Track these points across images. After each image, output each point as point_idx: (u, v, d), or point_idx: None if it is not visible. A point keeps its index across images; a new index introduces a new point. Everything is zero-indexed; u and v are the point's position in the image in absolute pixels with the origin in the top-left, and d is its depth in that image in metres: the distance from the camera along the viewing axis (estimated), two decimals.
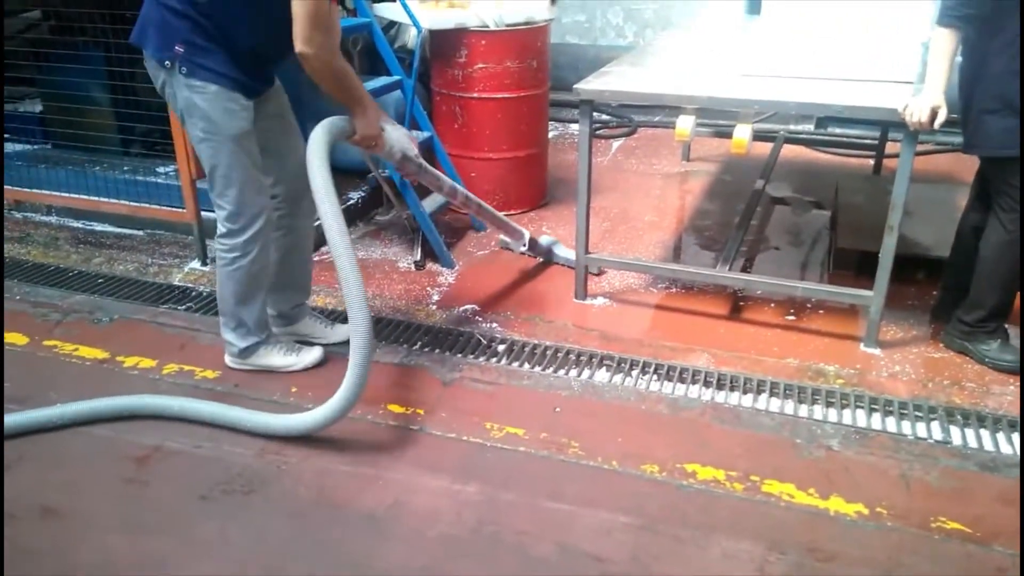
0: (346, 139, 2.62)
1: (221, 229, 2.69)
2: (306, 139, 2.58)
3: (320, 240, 3.11)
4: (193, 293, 3.50)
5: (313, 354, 2.96)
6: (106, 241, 4.02)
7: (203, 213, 3.67)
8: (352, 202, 4.16)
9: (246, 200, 2.63)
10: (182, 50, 2.43)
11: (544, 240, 3.78)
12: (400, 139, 2.76)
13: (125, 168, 4.12)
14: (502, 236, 3.77)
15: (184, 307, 3.37)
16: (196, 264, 3.74)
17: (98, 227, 4.15)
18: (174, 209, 3.73)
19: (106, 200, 3.87)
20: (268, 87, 2.69)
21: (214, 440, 2.56)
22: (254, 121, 2.59)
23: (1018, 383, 2.79)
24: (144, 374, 2.91)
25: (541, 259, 3.81)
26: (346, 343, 2.52)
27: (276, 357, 2.92)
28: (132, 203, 3.84)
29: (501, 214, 3.52)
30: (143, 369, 2.94)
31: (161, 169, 4.08)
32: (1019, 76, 2.56)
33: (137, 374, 2.91)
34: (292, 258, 2.96)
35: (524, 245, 3.60)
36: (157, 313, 3.32)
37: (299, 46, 2.33)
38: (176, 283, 3.59)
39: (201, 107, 2.49)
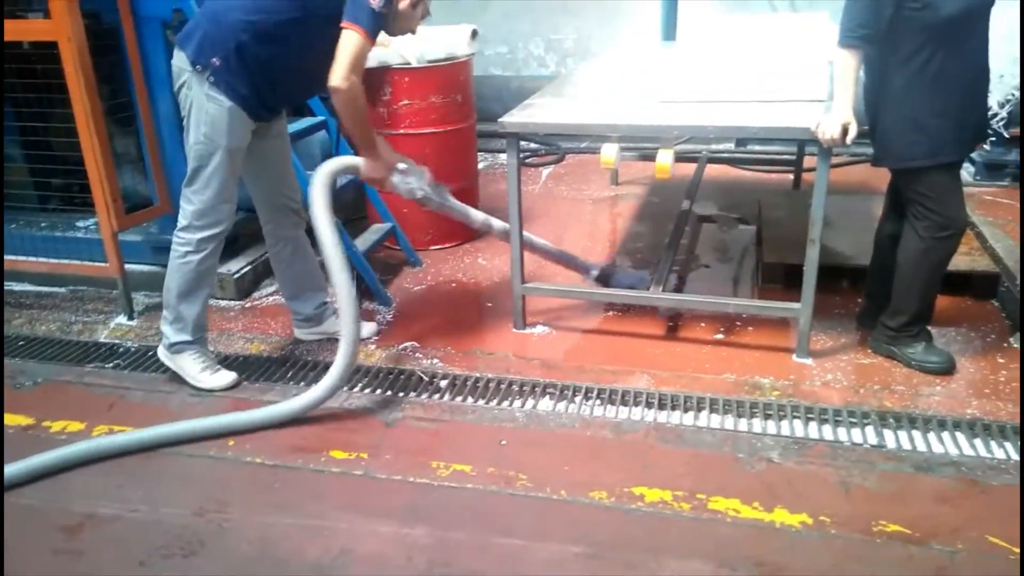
0: (357, 175, 2.97)
1: (182, 222, 2.87)
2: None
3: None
4: (120, 349, 3.38)
5: (225, 379, 3.06)
6: (26, 301, 3.87)
7: (127, 266, 3.57)
8: None
9: (215, 205, 2.83)
10: (218, 63, 2.66)
11: (633, 275, 3.66)
12: (413, 183, 3.01)
13: (43, 224, 3.99)
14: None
15: (112, 364, 3.26)
16: (123, 319, 3.62)
17: (17, 287, 3.99)
18: (96, 264, 3.62)
19: (24, 259, 3.73)
20: (275, 117, 2.97)
21: (149, 502, 2.47)
22: (251, 141, 2.84)
23: (945, 383, 2.89)
24: (73, 438, 2.79)
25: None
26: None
27: (193, 366, 3.03)
28: (52, 260, 3.71)
29: (553, 247, 3.57)
30: (71, 433, 2.83)
31: (81, 223, 3.97)
32: (920, 90, 2.68)
33: (66, 439, 2.79)
34: (296, 265, 3.23)
35: (595, 274, 3.57)
36: (83, 373, 3.20)
37: (336, 81, 2.59)
38: (102, 340, 3.47)
39: (211, 114, 2.70)
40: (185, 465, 2.64)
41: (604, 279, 3.55)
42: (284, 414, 2.79)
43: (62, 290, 3.93)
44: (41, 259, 3.72)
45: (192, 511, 2.42)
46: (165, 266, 3.65)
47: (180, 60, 2.73)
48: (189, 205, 2.85)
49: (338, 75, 2.58)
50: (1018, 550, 2.12)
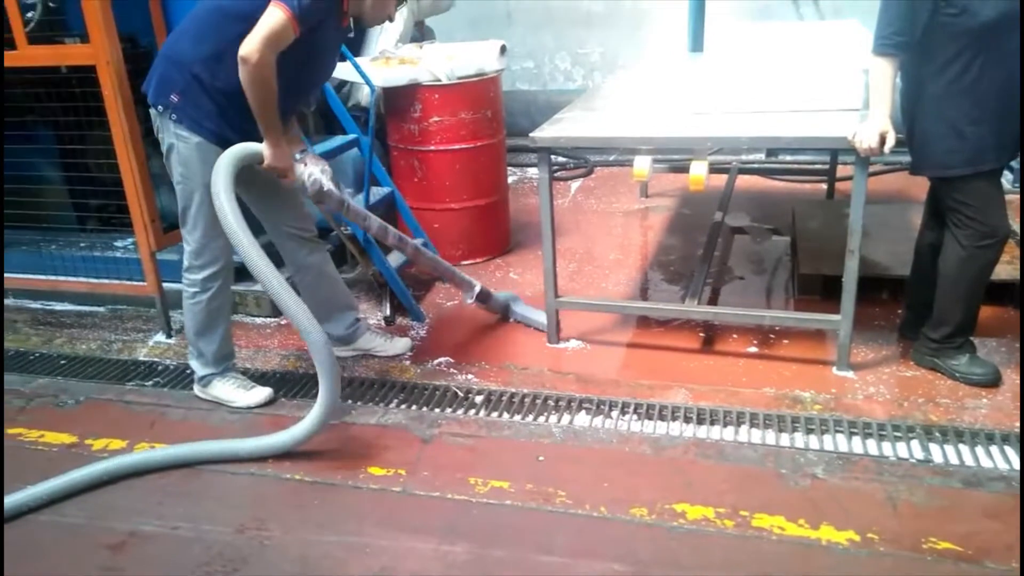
0: (257, 164, 2.73)
1: (184, 264, 2.92)
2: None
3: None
4: (160, 367, 3.42)
5: (260, 395, 3.08)
6: (67, 320, 3.93)
7: (165, 285, 3.61)
8: None
9: (207, 243, 2.84)
10: (176, 100, 2.67)
11: (502, 295, 3.65)
12: (316, 173, 2.83)
13: (82, 244, 4.05)
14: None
15: (151, 382, 3.30)
16: (161, 337, 3.67)
17: (57, 307, 4.06)
18: (135, 283, 3.67)
19: (64, 279, 3.80)
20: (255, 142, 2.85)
21: (190, 520, 2.49)
22: (246, 172, 2.74)
23: (992, 395, 2.83)
24: (114, 456, 2.82)
25: (497, 315, 3.66)
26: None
27: (225, 392, 3.07)
28: (91, 280, 3.77)
29: (443, 261, 3.51)
30: (113, 451, 2.85)
31: (119, 243, 4.02)
32: (957, 97, 2.64)
33: (107, 456, 2.82)
34: (321, 289, 3.20)
35: (472, 297, 3.49)
36: (124, 391, 3.24)
37: (245, 50, 2.45)
38: (142, 358, 3.51)
39: (183, 153, 2.71)
40: (225, 482, 2.65)
41: (484, 298, 3.54)
42: (264, 448, 2.73)
43: (101, 309, 3.99)
44: (81, 279, 3.78)
45: (233, 528, 2.43)
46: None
47: (151, 110, 2.75)
48: (186, 245, 2.88)
49: (249, 45, 2.45)
50: None
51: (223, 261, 2.90)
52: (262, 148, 2.70)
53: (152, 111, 2.75)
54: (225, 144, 2.69)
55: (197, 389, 3.12)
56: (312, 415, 2.65)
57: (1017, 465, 2.47)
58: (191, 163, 2.72)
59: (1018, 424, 2.66)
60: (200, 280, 2.89)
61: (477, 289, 3.49)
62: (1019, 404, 2.76)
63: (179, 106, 2.67)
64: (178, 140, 2.71)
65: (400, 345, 3.39)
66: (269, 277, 2.55)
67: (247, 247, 2.55)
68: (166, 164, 2.82)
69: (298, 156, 2.83)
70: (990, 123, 2.65)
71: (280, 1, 2.45)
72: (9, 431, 3.01)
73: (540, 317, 3.46)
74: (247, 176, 2.80)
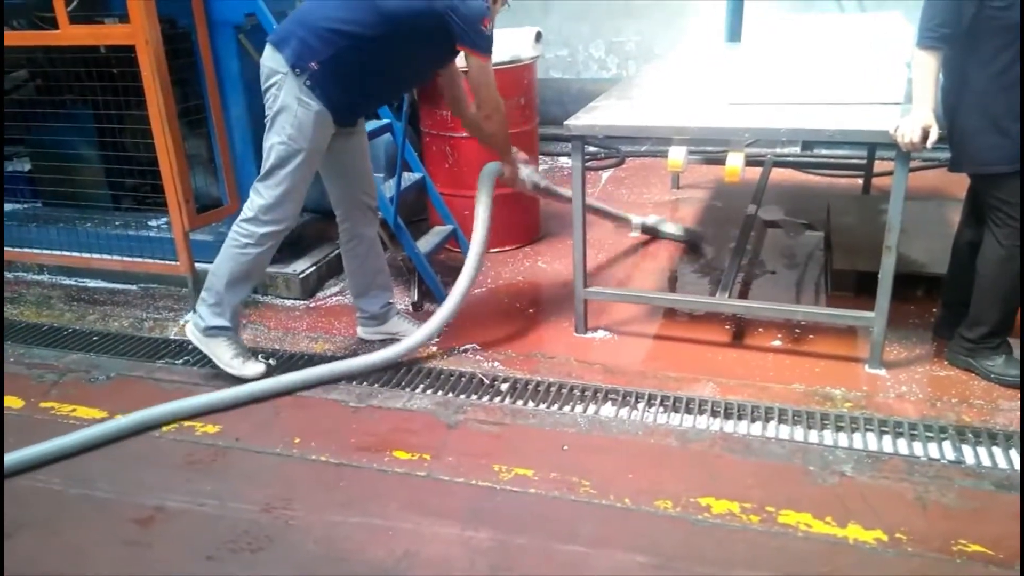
0: (500, 179, 3.27)
1: (247, 214, 2.92)
2: None
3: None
4: (190, 346, 3.43)
5: (256, 368, 3.12)
6: (100, 298, 3.99)
7: (197, 265, 3.65)
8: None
9: (284, 203, 2.88)
10: (316, 68, 2.72)
11: (651, 219, 4.23)
12: (530, 173, 3.41)
13: (116, 223, 4.10)
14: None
15: (181, 361, 3.33)
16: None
17: (91, 284, 4.12)
18: (167, 263, 3.71)
19: (98, 256, 3.85)
20: (352, 125, 3.02)
21: (217, 497, 2.51)
22: (333, 141, 2.91)
23: (1020, 399, 2.77)
24: (144, 432, 2.86)
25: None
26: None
27: (226, 352, 3.09)
28: (125, 258, 3.81)
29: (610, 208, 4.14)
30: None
31: (153, 222, 4.07)
32: (1001, 93, 2.58)
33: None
34: (368, 263, 3.28)
35: (639, 230, 4.19)
36: (154, 369, 3.28)
37: (487, 110, 2.96)
38: (172, 337, 3.55)
39: (299, 116, 2.76)
40: (252, 461, 2.68)
41: (649, 230, 4.17)
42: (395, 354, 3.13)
43: (134, 287, 4.04)
44: (114, 257, 3.83)
45: (259, 507, 2.46)
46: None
47: (275, 62, 2.77)
48: (259, 199, 2.89)
49: (488, 105, 2.93)
50: None
51: (288, 223, 2.94)
52: (501, 166, 3.26)
53: (273, 66, 2.77)
54: (340, 115, 2.83)
55: (193, 334, 3.09)
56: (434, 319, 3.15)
57: None
58: (304, 127, 2.76)
59: None
60: (260, 234, 2.90)
61: (638, 221, 4.20)
62: None
63: (317, 74, 2.72)
64: (299, 104, 2.74)
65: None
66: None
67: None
68: (270, 120, 2.82)
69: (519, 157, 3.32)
70: None
71: (474, 51, 2.78)
72: (41, 404, 3.07)
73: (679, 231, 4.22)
74: (340, 144, 2.96)
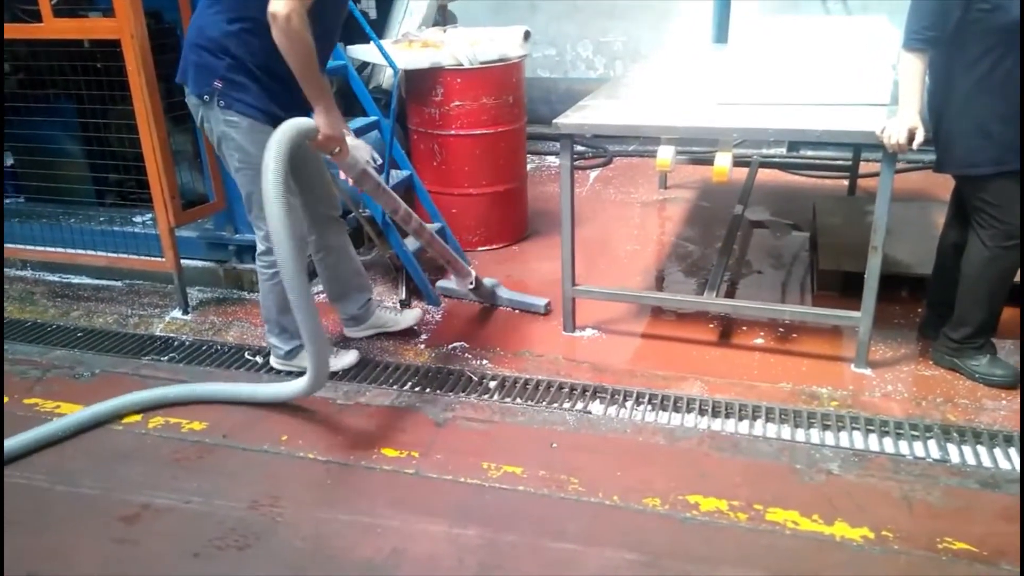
0: (309, 141, 2.58)
1: (261, 247, 2.90)
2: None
3: None
4: (175, 343, 3.43)
5: (350, 356, 3.17)
6: (84, 294, 3.95)
7: (183, 261, 3.62)
8: None
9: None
10: (220, 85, 2.60)
11: (487, 282, 3.63)
12: (363, 151, 2.86)
13: (101, 219, 4.07)
14: (442, 281, 3.76)
15: (167, 358, 3.31)
16: (177, 313, 3.68)
17: (75, 280, 4.08)
18: (152, 259, 3.68)
19: (82, 252, 3.81)
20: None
21: (203, 495, 2.50)
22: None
23: (1011, 397, 2.80)
24: (129, 429, 2.84)
25: (486, 303, 3.66)
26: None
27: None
28: (109, 254, 3.78)
29: (445, 245, 3.44)
30: (128, 424, 2.87)
31: (138, 219, 4.04)
32: (986, 95, 2.61)
33: (122, 429, 2.84)
34: (340, 270, 3.19)
35: (471, 283, 3.49)
36: (140, 365, 3.26)
37: (274, 6, 2.32)
38: (158, 333, 3.53)
39: (236, 139, 2.66)
40: (239, 458, 2.66)
41: (478, 286, 3.54)
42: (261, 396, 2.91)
43: (119, 284, 4.01)
44: (99, 253, 3.79)
45: (246, 504, 2.44)
46: (220, 261, 3.74)
47: (189, 99, 2.71)
48: (259, 231, 2.84)
49: (275, 1, 2.33)
50: None
51: (303, 240, 2.85)
52: (313, 121, 2.57)
53: (193, 101, 2.69)
54: (276, 122, 2.61)
55: (278, 363, 3.14)
56: (303, 382, 2.76)
57: None
58: (247, 147, 2.65)
59: None
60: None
61: (474, 276, 3.50)
62: None
63: (224, 91, 2.60)
64: (228, 127, 2.65)
65: (411, 317, 3.43)
66: (291, 262, 2.52)
67: (280, 230, 2.47)
68: (220, 154, 2.78)
69: (345, 132, 2.75)
70: (1018, 122, 2.61)
71: None
72: (25, 401, 3.03)
73: (533, 300, 3.52)
74: (295, 162, 2.68)
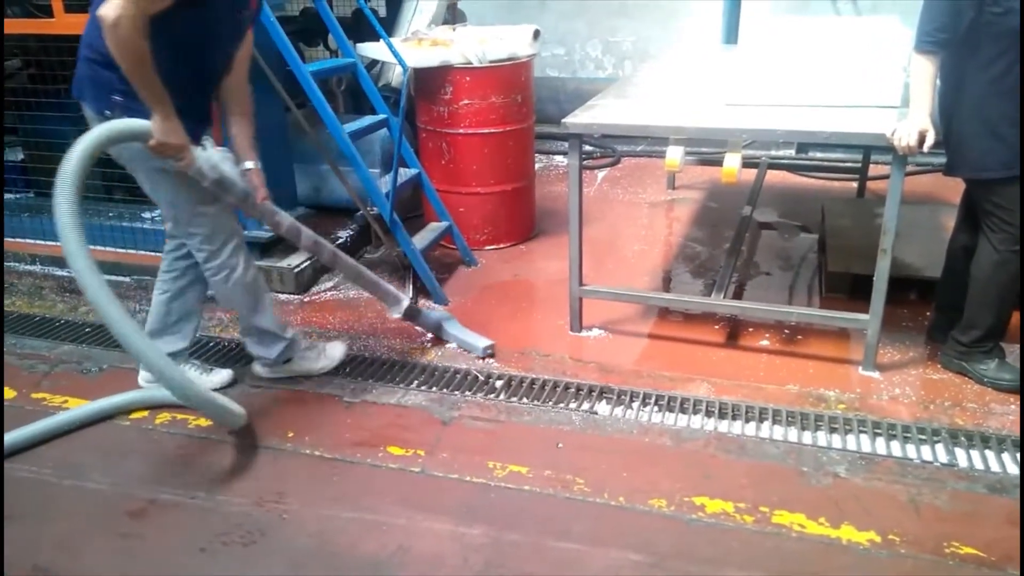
0: (144, 143, 2.44)
1: (201, 255, 2.77)
2: None
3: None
4: None
5: (338, 349, 3.12)
6: None
7: None
8: (341, 241, 4.14)
9: (216, 221, 2.71)
10: (120, 99, 2.45)
11: (434, 315, 3.38)
12: (215, 160, 2.59)
13: (109, 214, 4.08)
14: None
15: None
16: None
17: None
18: (160, 254, 3.66)
19: (91, 247, 3.78)
20: (205, 127, 2.71)
21: (210, 490, 2.50)
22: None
23: (1019, 401, 2.79)
24: (137, 424, 2.85)
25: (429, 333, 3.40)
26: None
27: (312, 362, 3.06)
28: (118, 250, 3.79)
29: (369, 272, 3.18)
30: (135, 420, 2.88)
31: (146, 214, 4.04)
32: (998, 98, 2.59)
33: (129, 424, 2.85)
34: (178, 297, 2.94)
35: (398, 312, 3.24)
36: None
37: (102, 9, 2.21)
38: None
39: (143, 152, 2.48)
40: (244, 455, 2.67)
41: (412, 315, 3.29)
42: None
43: (127, 279, 4.01)
44: (108, 248, 3.80)
45: (252, 500, 2.45)
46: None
47: (89, 116, 2.56)
48: (195, 238, 2.73)
49: (106, 4, 2.19)
50: None
51: (239, 232, 2.81)
52: (146, 124, 2.41)
53: (91, 116, 2.54)
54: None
55: (269, 373, 3.03)
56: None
57: None
58: (153, 158, 2.50)
59: None
60: (226, 259, 2.76)
61: (404, 304, 3.24)
62: None
63: (124, 105, 2.44)
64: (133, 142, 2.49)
65: (219, 378, 3.06)
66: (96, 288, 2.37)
67: (67, 230, 2.33)
68: (135, 174, 2.64)
69: (203, 140, 2.62)
70: None
71: None
72: (33, 395, 3.05)
73: (475, 340, 3.22)
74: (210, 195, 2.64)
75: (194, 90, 2.59)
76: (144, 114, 2.42)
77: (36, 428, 2.74)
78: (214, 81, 2.66)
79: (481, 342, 3.21)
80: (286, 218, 2.89)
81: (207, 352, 3.32)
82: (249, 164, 2.75)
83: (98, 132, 2.39)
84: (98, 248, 3.79)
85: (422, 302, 3.71)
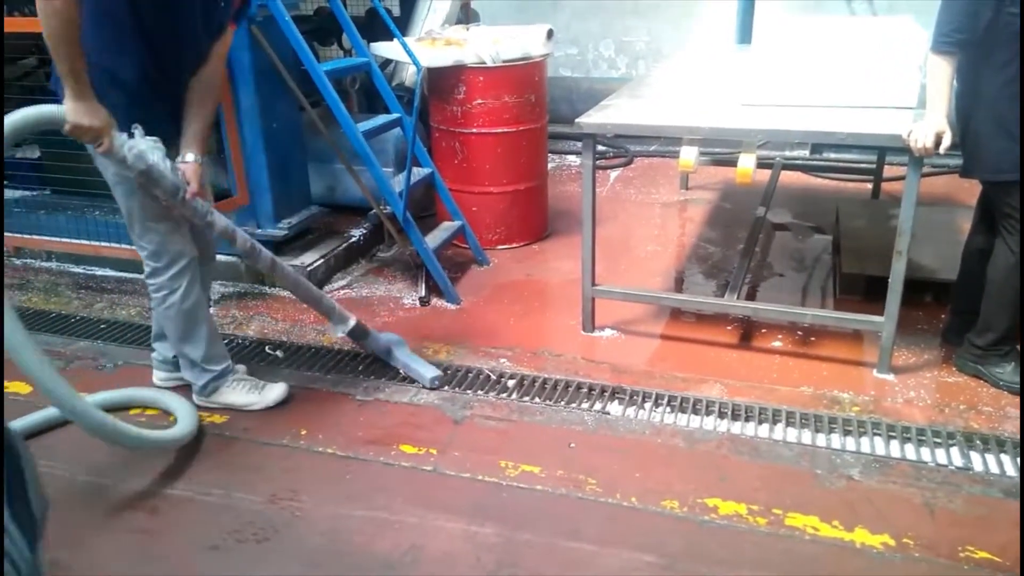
0: (60, 127, 2.33)
1: (146, 269, 2.71)
2: None
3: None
4: None
5: (276, 391, 2.91)
6: (107, 286, 3.99)
7: None
8: (354, 239, 4.15)
9: (165, 240, 2.62)
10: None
11: (384, 337, 3.17)
12: (141, 148, 2.40)
13: (115, 209, 4.09)
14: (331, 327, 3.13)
15: None
16: None
17: (99, 272, 4.12)
18: None
19: (106, 244, 3.85)
20: (170, 128, 2.54)
21: (222, 487, 2.51)
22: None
23: (1020, 402, 2.77)
24: (151, 421, 2.86)
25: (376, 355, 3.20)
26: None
27: (238, 395, 2.89)
28: (132, 247, 3.80)
29: (311, 284, 3.03)
30: (150, 416, 2.90)
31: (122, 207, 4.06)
32: (1013, 100, 2.57)
33: (145, 421, 2.87)
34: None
35: (344, 331, 3.06)
36: None
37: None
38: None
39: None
40: (259, 452, 2.68)
41: (359, 335, 3.12)
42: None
43: (141, 276, 4.01)
44: (123, 245, 3.82)
45: (265, 498, 2.46)
46: (241, 256, 3.73)
47: None
48: (143, 251, 2.66)
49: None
50: None
51: (188, 257, 2.67)
52: (60, 108, 2.30)
53: None
54: (146, 131, 2.43)
55: (200, 400, 2.88)
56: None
57: None
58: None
59: None
60: (167, 280, 2.65)
61: (351, 324, 3.06)
62: None
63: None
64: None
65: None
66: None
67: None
68: (99, 167, 2.54)
69: (133, 131, 2.43)
70: None
71: None
72: None
73: (423, 369, 3.03)
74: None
75: (163, 83, 2.48)
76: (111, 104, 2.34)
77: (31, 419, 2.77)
78: (186, 74, 2.54)
79: (429, 371, 3.01)
80: (220, 219, 2.69)
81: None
82: (190, 157, 2.56)
83: (12, 119, 2.25)
84: (113, 245, 3.84)
85: (435, 301, 3.72)
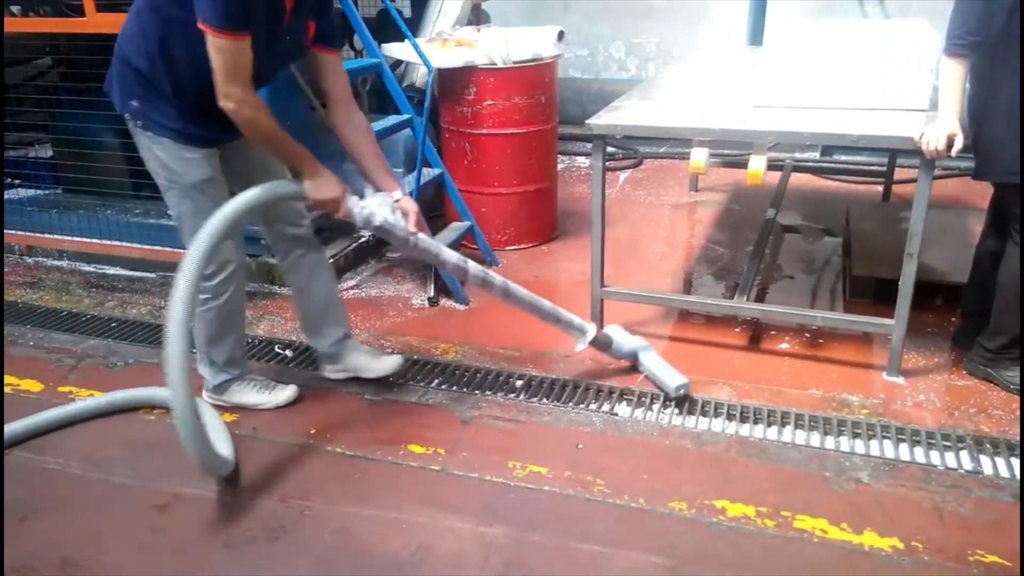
0: (302, 202, 2.55)
1: None
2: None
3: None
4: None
5: (286, 392, 2.94)
6: (118, 285, 4.02)
7: None
8: (364, 239, 4.16)
9: (214, 247, 2.57)
10: (137, 104, 2.45)
11: (630, 343, 3.05)
12: (373, 207, 2.56)
13: (136, 211, 4.13)
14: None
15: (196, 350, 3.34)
16: None
17: (110, 271, 4.15)
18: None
19: (118, 244, 3.87)
20: (227, 136, 2.53)
21: (234, 486, 2.53)
22: (221, 170, 2.59)
23: (1020, 403, 2.76)
24: (161, 419, 2.88)
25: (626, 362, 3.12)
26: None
27: (248, 395, 2.91)
28: (144, 246, 3.84)
29: (547, 304, 2.92)
30: (160, 414, 2.91)
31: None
32: None
33: (154, 419, 2.89)
34: (310, 296, 2.91)
35: (584, 343, 2.98)
36: None
37: (220, 101, 2.29)
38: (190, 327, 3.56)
39: (160, 157, 2.50)
40: (269, 451, 2.69)
41: (603, 345, 3.05)
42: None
43: (152, 275, 4.07)
44: (134, 244, 3.85)
45: (276, 497, 2.47)
46: (252, 256, 3.75)
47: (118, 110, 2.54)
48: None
49: (219, 95, 2.27)
50: None
51: (236, 262, 2.69)
52: (297, 187, 2.49)
53: (120, 114, 2.53)
54: (195, 141, 2.48)
55: (210, 396, 2.89)
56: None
57: None
58: (171, 165, 2.49)
59: None
60: (213, 286, 2.66)
61: (591, 335, 2.99)
62: None
63: (140, 110, 2.45)
64: (151, 143, 2.49)
65: (389, 364, 3.00)
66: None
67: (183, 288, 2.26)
68: (149, 171, 2.59)
69: (362, 186, 2.61)
70: None
71: (203, 24, 2.20)
72: (60, 389, 3.09)
73: (667, 378, 2.90)
74: (237, 165, 2.62)
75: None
76: (157, 121, 2.43)
77: (35, 420, 2.79)
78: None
79: (675, 380, 2.87)
80: (451, 255, 2.76)
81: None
82: (397, 195, 2.64)
83: (246, 198, 2.37)
84: (124, 244, 3.86)
85: (444, 302, 3.72)
